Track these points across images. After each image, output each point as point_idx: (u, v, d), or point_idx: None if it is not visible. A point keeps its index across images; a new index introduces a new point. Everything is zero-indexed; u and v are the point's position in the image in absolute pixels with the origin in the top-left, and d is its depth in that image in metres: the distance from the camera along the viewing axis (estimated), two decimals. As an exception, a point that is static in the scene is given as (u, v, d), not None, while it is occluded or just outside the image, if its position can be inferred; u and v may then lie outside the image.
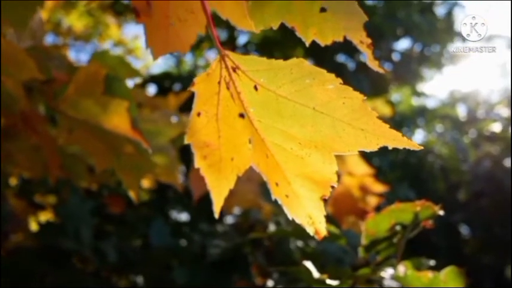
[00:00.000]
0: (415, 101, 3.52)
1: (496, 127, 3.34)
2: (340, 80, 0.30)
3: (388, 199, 1.10)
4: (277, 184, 0.34)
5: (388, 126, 0.30)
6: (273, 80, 0.32)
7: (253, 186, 0.86)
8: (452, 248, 2.75)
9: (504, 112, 3.42)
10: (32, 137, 0.82)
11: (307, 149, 0.32)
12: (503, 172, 2.95)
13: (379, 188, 1.02)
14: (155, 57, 0.39)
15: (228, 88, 0.33)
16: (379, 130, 0.30)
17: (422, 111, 3.38)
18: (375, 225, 0.55)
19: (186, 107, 0.96)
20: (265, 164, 0.34)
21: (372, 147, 0.31)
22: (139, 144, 0.60)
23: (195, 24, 0.38)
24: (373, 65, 0.33)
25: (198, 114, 0.34)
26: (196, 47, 2.67)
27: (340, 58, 2.83)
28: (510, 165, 2.97)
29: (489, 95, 3.92)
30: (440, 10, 3.18)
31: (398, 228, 0.55)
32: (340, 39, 0.34)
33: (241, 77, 0.33)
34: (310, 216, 0.33)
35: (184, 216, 1.36)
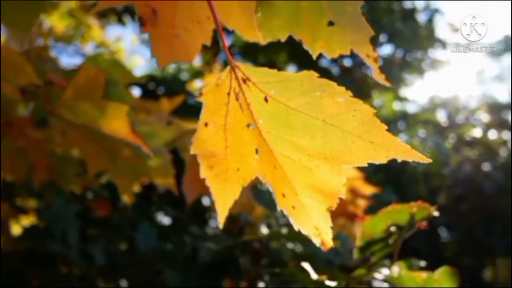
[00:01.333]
0: (397, 106, 3.58)
1: (476, 132, 3.41)
2: (350, 93, 0.31)
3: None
4: (283, 195, 0.34)
5: (397, 139, 0.31)
6: (284, 92, 0.32)
7: (246, 190, 0.86)
8: (433, 250, 2.79)
9: (484, 117, 3.50)
10: (18, 139, 0.81)
11: (316, 160, 0.33)
12: (482, 176, 3.02)
13: (369, 190, 1.03)
14: (160, 67, 0.39)
15: (237, 99, 0.34)
16: (388, 143, 0.31)
17: (403, 116, 3.44)
18: (371, 227, 0.56)
19: (178, 111, 0.96)
20: (272, 175, 0.35)
21: (381, 159, 0.31)
22: (138, 148, 0.60)
23: (201, 35, 0.38)
24: (380, 78, 0.34)
25: (206, 125, 0.34)
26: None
27: (325, 63, 2.86)
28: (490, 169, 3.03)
29: (467, 101, 4.01)
30: (421, 17, 3.24)
31: (393, 229, 0.55)
32: (347, 52, 0.34)
33: (251, 88, 0.33)
34: (317, 227, 0.34)
35: (170, 219, 1.36)
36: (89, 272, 1.00)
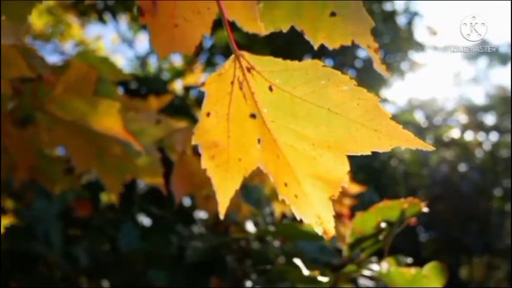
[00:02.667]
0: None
1: (454, 133, 3.49)
2: (354, 82, 0.31)
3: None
4: (286, 184, 0.34)
5: (401, 127, 0.31)
6: (289, 80, 0.32)
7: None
8: (411, 250, 2.83)
9: (461, 118, 3.58)
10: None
11: (320, 149, 0.33)
12: (459, 177, 3.08)
13: (355, 188, 1.04)
14: (160, 58, 0.39)
15: (241, 88, 0.33)
16: (392, 131, 0.31)
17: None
18: (362, 223, 0.56)
19: (162, 111, 0.96)
20: (275, 165, 0.35)
21: (385, 147, 0.31)
22: (127, 146, 0.59)
23: (201, 26, 0.38)
24: (380, 68, 0.34)
25: (208, 114, 0.34)
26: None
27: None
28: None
29: (445, 103, 4.10)
30: (401, 20, 3.30)
31: (383, 225, 0.56)
32: (349, 43, 0.35)
33: (255, 77, 0.33)
34: (319, 216, 0.34)
35: (153, 219, 1.35)
36: (72, 272, 0.99)
